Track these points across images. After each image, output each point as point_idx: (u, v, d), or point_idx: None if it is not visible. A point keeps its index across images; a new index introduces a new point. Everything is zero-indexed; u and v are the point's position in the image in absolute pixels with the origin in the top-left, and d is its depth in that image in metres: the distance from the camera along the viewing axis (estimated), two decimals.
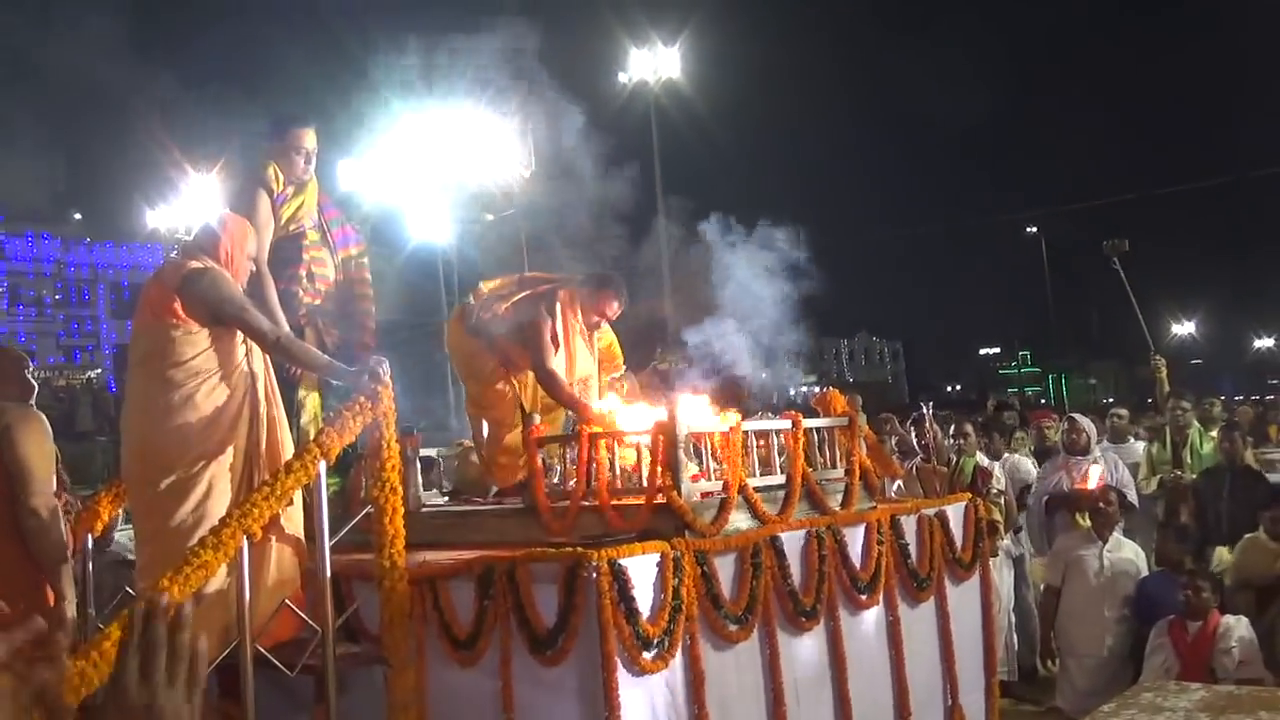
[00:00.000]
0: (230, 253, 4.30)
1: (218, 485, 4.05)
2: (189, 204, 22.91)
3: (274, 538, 4.08)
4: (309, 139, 5.28)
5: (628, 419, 4.93)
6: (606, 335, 5.64)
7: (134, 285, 41.96)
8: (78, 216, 42.83)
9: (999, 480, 7.63)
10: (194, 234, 4.42)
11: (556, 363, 5.08)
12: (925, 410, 7.70)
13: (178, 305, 4.08)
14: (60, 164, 43.76)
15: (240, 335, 4.20)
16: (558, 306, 5.16)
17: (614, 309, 5.34)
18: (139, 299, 4.34)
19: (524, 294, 5.24)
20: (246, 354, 4.22)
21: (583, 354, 5.28)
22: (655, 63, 27.11)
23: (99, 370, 39.12)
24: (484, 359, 5.31)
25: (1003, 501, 7.50)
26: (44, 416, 4.15)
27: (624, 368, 5.78)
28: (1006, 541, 7.59)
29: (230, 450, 4.11)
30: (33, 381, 4.32)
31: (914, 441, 7.65)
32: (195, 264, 4.19)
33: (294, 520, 4.23)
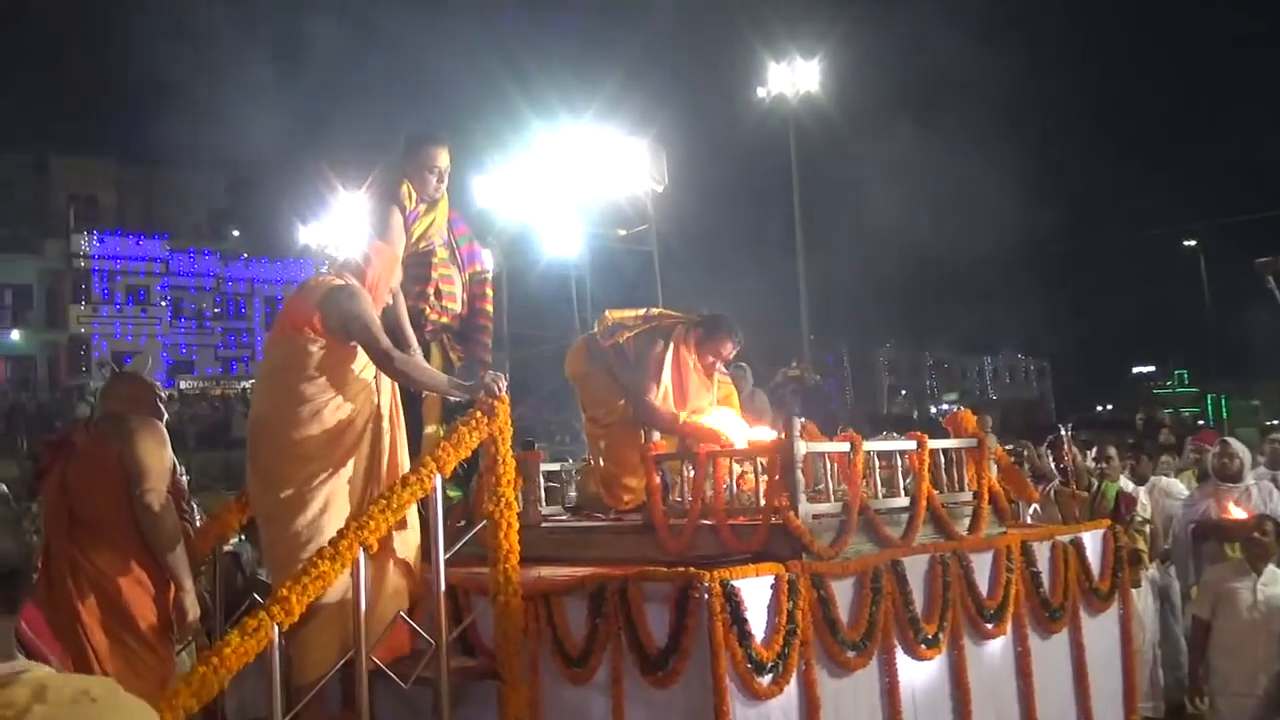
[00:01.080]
0: (375, 279, 4.44)
1: (336, 499, 4.13)
2: (338, 221, 23.68)
3: (389, 549, 4.16)
4: (442, 157, 5.36)
5: (742, 434, 4.89)
6: (726, 386, 5.60)
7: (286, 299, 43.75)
8: (236, 233, 44.77)
9: (1144, 507, 7.25)
10: (344, 256, 4.56)
11: (659, 394, 5.07)
12: (1064, 432, 7.34)
13: (316, 319, 4.19)
14: (220, 184, 45.93)
15: None
16: (673, 343, 5.17)
17: (728, 350, 5.32)
18: (280, 311, 4.48)
19: (646, 327, 5.26)
20: (376, 374, 4.31)
21: (697, 389, 5.25)
22: (794, 77, 26.95)
23: (253, 381, 40.82)
24: (605, 381, 5.34)
25: (1147, 530, 7.13)
26: (163, 428, 4.44)
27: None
28: (1153, 570, 7.22)
29: (350, 465, 4.19)
30: (162, 407, 4.60)
31: (1052, 465, 7.33)
32: (339, 281, 4.32)
33: (405, 536, 4.30)
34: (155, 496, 4.19)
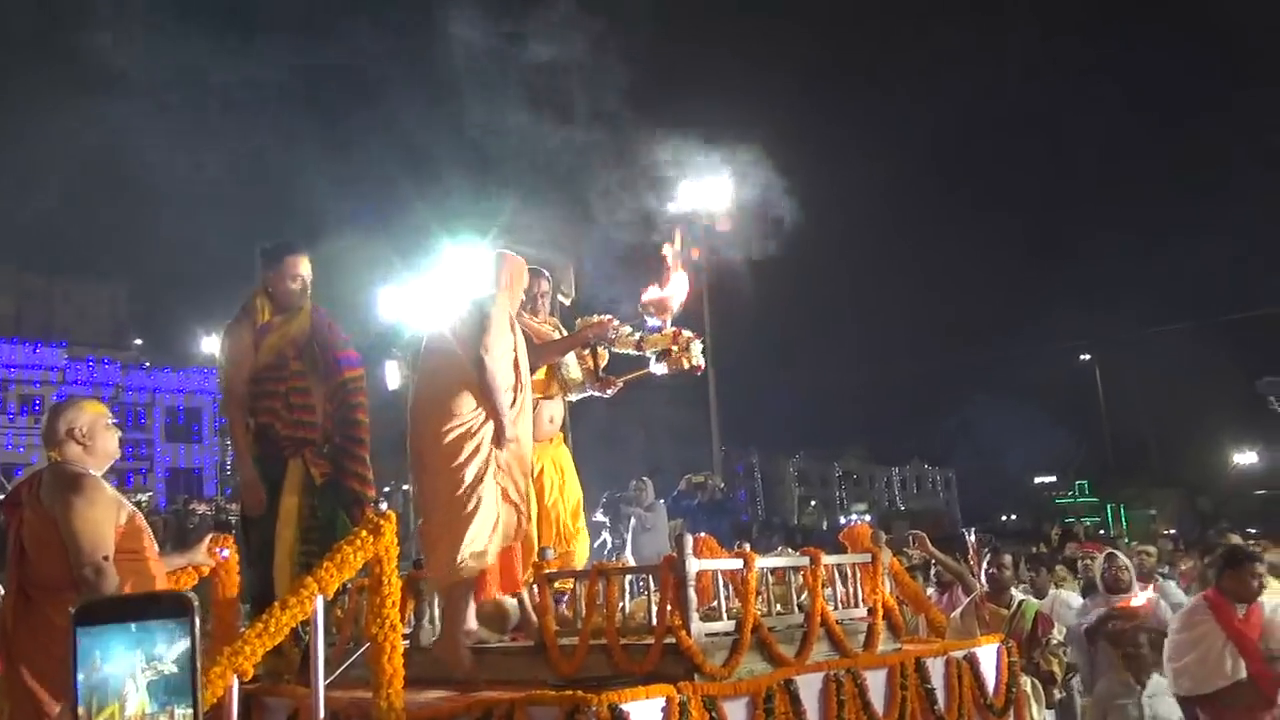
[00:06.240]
0: (505, 284, 5.07)
1: (477, 455, 4.71)
2: None
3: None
4: (303, 266, 5.38)
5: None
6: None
7: (188, 409, 42.64)
8: (138, 342, 43.92)
9: (1060, 630, 7.19)
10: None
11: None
12: (970, 537, 7.34)
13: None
14: (123, 292, 45.15)
15: (512, 354, 4.96)
16: None
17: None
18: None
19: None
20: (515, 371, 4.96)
21: None
22: (705, 194, 27.55)
23: (151, 493, 39.55)
24: None
25: (1062, 652, 7.06)
26: (98, 480, 4.38)
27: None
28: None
29: (491, 427, 4.77)
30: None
31: (975, 573, 7.21)
32: (490, 291, 4.99)
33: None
34: (91, 570, 3.99)
